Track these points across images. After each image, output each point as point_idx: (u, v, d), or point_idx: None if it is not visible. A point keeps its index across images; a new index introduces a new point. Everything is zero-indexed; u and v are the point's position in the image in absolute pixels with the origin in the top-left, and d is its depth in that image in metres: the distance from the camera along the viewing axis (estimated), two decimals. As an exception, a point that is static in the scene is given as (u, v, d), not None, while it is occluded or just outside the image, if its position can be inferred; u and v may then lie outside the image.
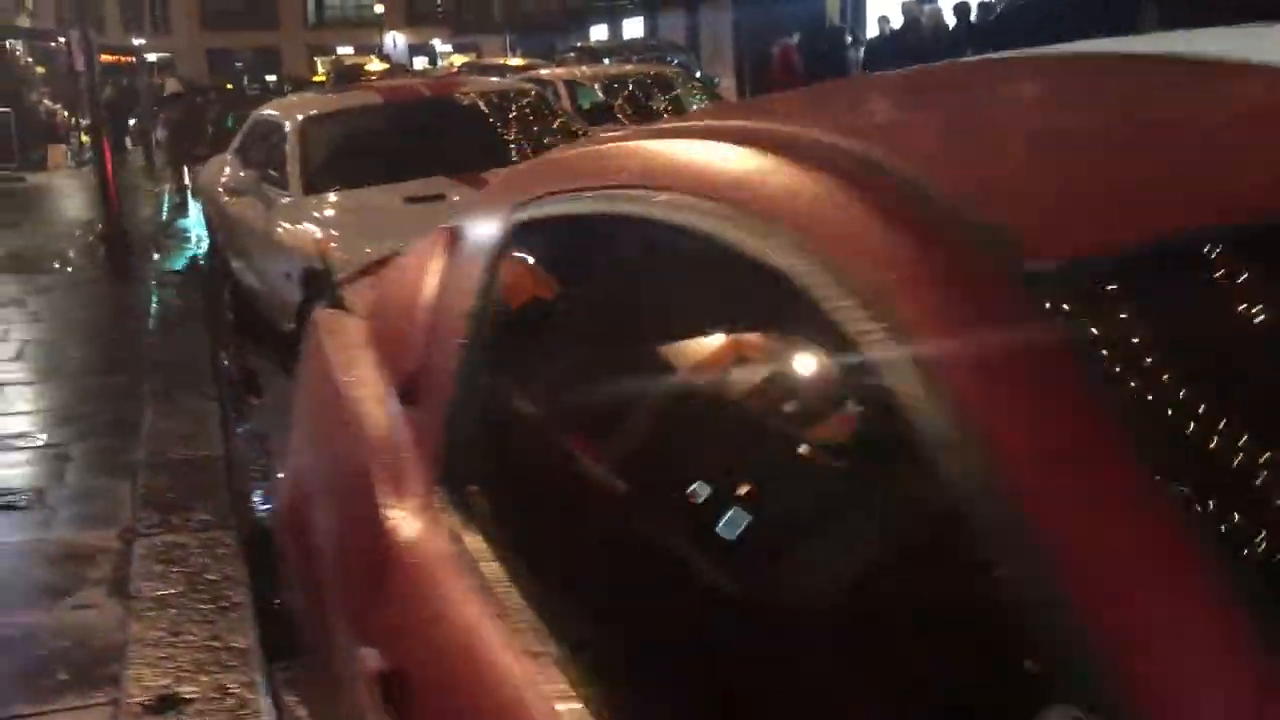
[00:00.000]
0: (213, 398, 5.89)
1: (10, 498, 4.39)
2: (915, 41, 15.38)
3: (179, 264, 10.59)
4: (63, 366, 6.54)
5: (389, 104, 7.46)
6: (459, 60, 45.80)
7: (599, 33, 30.17)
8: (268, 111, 8.08)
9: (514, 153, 7.04)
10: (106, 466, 4.78)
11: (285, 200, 6.53)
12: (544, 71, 12.15)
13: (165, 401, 5.76)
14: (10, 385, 6.14)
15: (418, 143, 6.99)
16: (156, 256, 10.98)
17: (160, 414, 5.53)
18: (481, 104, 7.44)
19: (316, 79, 23.74)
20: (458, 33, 42.73)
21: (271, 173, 6.92)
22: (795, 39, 18.69)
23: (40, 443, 5.12)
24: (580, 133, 7.40)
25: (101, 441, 5.14)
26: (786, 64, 18.94)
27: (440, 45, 53.05)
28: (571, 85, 10.21)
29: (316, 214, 6.19)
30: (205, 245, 11.84)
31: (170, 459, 4.86)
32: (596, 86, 10.36)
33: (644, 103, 10.28)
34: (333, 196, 6.32)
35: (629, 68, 11.73)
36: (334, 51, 58.36)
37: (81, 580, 3.60)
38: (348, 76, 21.63)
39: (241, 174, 7.11)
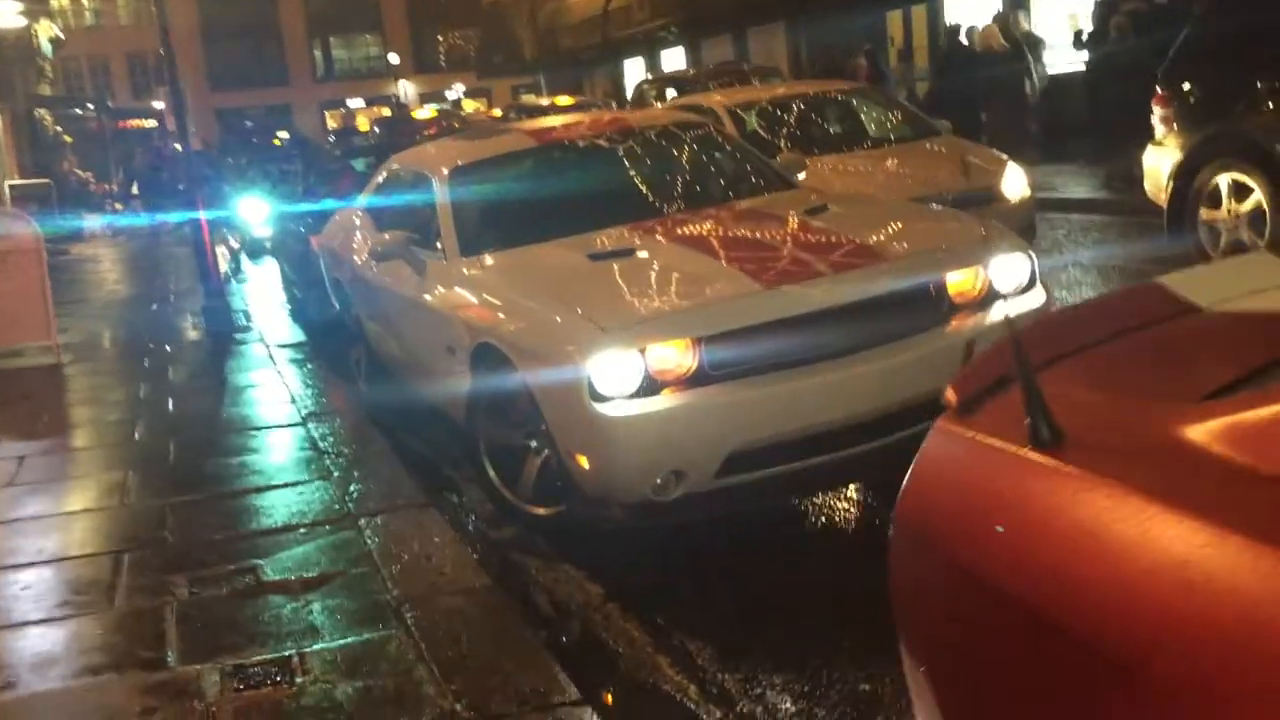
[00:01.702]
0: (424, 503, 4.89)
1: (266, 671, 3.38)
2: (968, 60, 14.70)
3: (284, 333, 9.64)
4: (226, 474, 5.54)
5: (546, 148, 6.46)
6: (470, 106, 45.07)
7: (634, 66, 29.37)
8: (405, 162, 7.13)
9: (701, 193, 6.07)
10: (360, 613, 3.76)
11: (441, 263, 5.51)
12: (698, 98, 10.45)
13: (375, 513, 4.76)
14: (182, 503, 5.13)
15: (586, 190, 6.01)
16: (249, 325, 10.02)
17: (381, 533, 4.53)
18: (651, 141, 6.46)
19: (363, 129, 22.86)
20: (482, 76, 41.94)
21: (417, 232, 5.91)
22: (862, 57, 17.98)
23: (255, 581, 4.11)
24: (774, 166, 6.41)
25: (327, 568, 4.14)
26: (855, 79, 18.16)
27: (451, 92, 52.45)
28: (737, 113, 8.92)
29: (488, 279, 5.15)
30: (290, 307, 10.96)
31: (431, 598, 3.84)
32: (752, 113, 8.99)
33: (829, 127, 9.05)
34: (499, 258, 5.27)
35: (810, 87, 10.04)
36: (344, 104, 57.94)
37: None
38: (393, 126, 20.76)
39: (386, 235, 6.05)
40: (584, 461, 4.11)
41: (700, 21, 24.07)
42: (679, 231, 5.13)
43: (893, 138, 8.97)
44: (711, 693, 3.34)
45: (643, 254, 4.85)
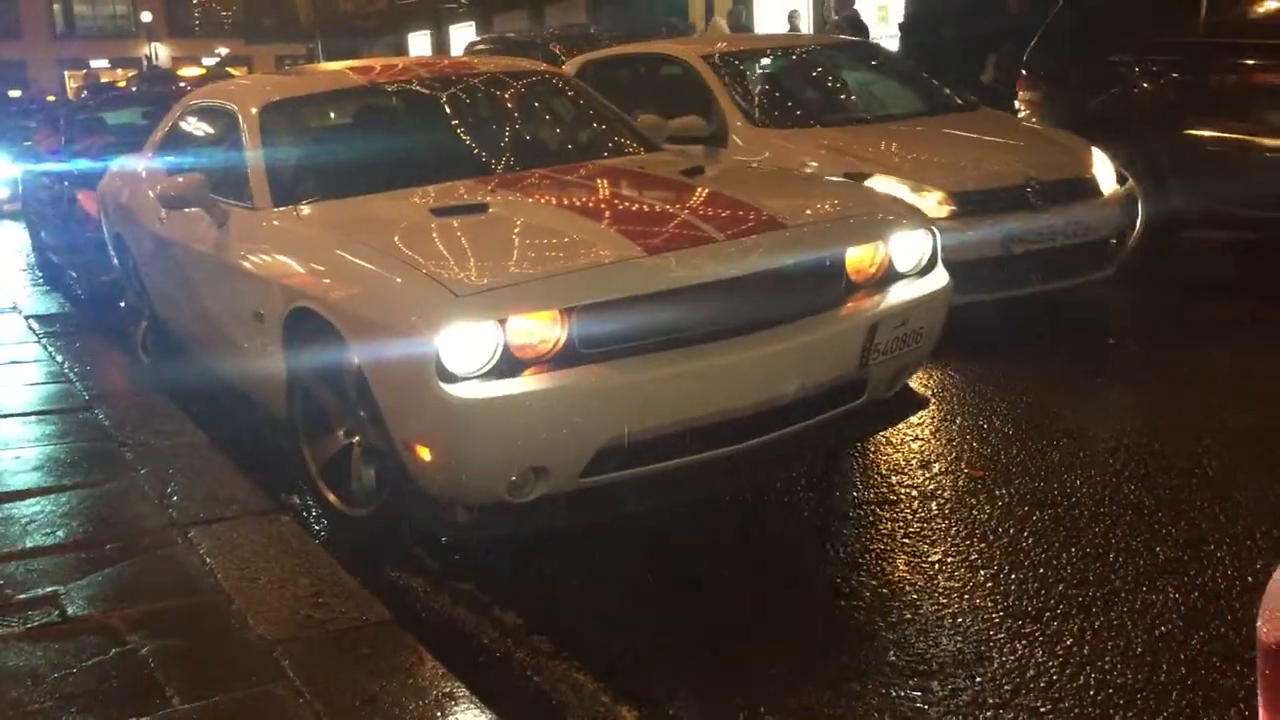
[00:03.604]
0: (265, 509, 3.92)
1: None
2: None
3: (41, 304, 8.24)
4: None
5: (377, 88, 5.52)
6: (235, 74, 42.32)
7: (419, 40, 28.08)
8: (206, 98, 6.03)
9: (560, 149, 5.35)
10: (220, 664, 2.81)
11: (248, 214, 4.57)
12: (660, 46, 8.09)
13: (205, 521, 3.76)
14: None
15: (424, 138, 5.18)
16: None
17: (221, 549, 3.54)
18: (498, 89, 5.64)
19: (120, 84, 20.74)
20: (250, 41, 39.35)
21: (221, 180, 4.91)
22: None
23: (59, 615, 3.08)
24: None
25: (158, 599, 3.15)
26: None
27: (210, 59, 49.24)
28: (720, 67, 6.88)
29: (307, 233, 4.27)
30: (44, 275, 9.53)
31: (312, 639, 2.92)
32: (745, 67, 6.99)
33: (846, 93, 7.23)
34: (320, 209, 4.37)
35: (813, 40, 7.86)
36: (87, 65, 53.51)
37: None
38: (155, 82, 18.87)
39: (179, 178, 4.99)
40: (424, 453, 3.33)
41: (495, -7, 23.14)
42: (539, 188, 4.39)
43: (931, 108, 7.02)
44: (705, 757, 2.60)
45: (498, 211, 4.07)
